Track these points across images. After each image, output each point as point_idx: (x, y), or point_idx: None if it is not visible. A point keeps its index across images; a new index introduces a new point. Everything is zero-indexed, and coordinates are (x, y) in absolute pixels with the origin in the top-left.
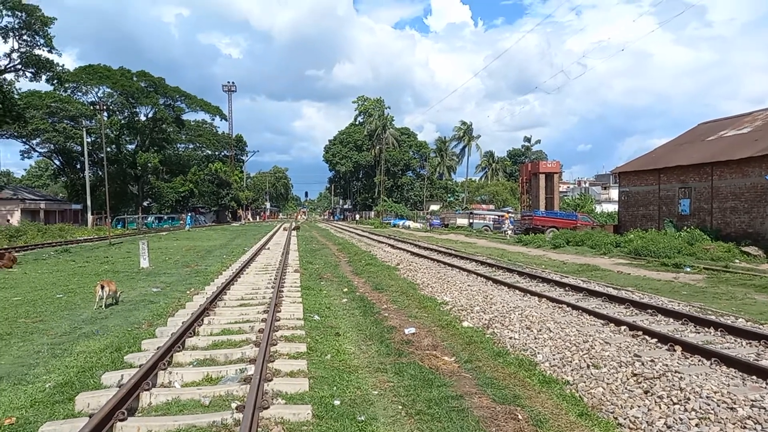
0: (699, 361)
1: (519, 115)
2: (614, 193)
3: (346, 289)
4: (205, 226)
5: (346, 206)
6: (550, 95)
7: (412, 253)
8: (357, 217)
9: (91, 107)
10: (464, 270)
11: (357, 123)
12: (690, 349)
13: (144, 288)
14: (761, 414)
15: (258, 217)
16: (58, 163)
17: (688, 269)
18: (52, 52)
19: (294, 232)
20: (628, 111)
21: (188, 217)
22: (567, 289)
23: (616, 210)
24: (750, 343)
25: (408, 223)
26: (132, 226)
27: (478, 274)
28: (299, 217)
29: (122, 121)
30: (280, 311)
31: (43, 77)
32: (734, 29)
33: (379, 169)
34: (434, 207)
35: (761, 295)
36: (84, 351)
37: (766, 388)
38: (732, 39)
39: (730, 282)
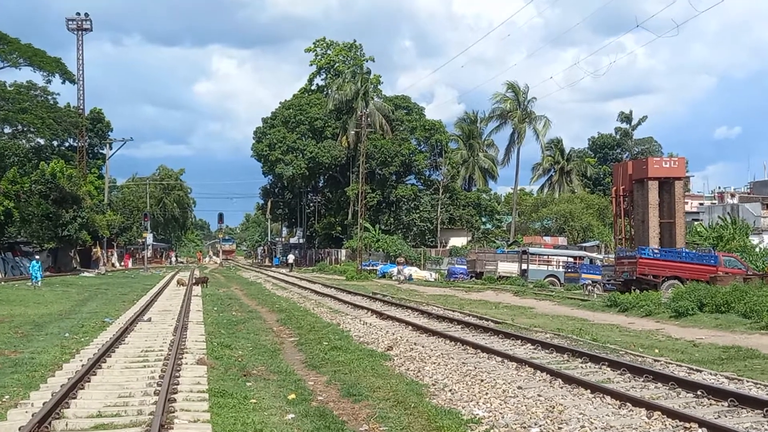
0: None
1: (608, 73)
2: None
3: (292, 396)
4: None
5: (294, 239)
6: (662, 38)
7: (417, 327)
8: (291, 258)
9: None
10: (512, 359)
11: (314, 88)
12: None
13: None
14: None
15: (132, 259)
16: None
17: None
18: None
19: (198, 290)
20: None
21: (34, 263)
22: (700, 393)
23: None
24: None
25: (409, 270)
26: None
27: (536, 367)
28: (208, 260)
29: None
30: None
31: None
32: None
33: (356, 171)
34: (457, 241)
35: None
36: None
37: None
38: None
39: None
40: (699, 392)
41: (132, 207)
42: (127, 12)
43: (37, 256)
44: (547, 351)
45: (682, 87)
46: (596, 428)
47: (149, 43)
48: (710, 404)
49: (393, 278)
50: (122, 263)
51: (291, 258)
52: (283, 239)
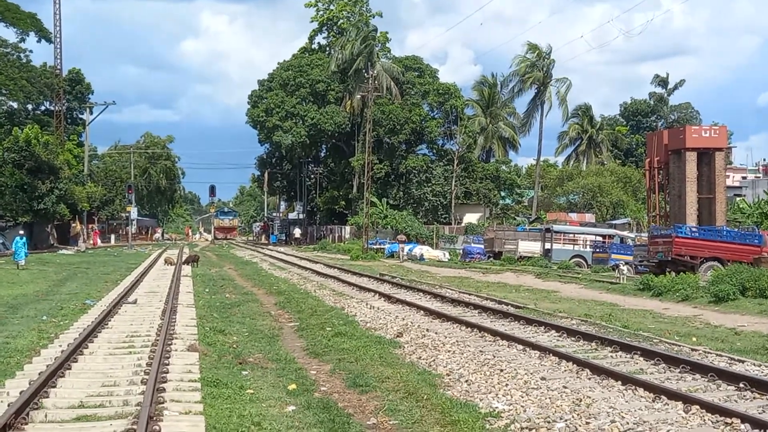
0: None
1: (642, 34)
2: None
3: (293, 386)
4: (5, 255)
5: (293, 215)
6: None
7: (429, 312)
8: (298, 232)
9: None
10: (534, 347)
11: (315, 47)
12: None
13: None
14: None
15: (114, 236)
16: None
17: None
18: None
19: (188, 269)
20: None
21: (18, 240)
22: (742, 386)
23: None
24: None
25: (420, 249)
26: None
27: (561, 356)
28: (198, 237)
29: None
30: None
31: None
32: None
33: (361, 140)
34: (473, 217)
35: None
36: None
37: None
38: None
39: None
40: (741, 385)
41: (114, 178)
42: None
43: (21, 232)
44: (573, 339)
45: (724, 48)
46: (628, 423)
47: None
48: (753, 398)
49: (413, 258)
50: (110, 240)
51: (298, 232)
52: (281, 214)
